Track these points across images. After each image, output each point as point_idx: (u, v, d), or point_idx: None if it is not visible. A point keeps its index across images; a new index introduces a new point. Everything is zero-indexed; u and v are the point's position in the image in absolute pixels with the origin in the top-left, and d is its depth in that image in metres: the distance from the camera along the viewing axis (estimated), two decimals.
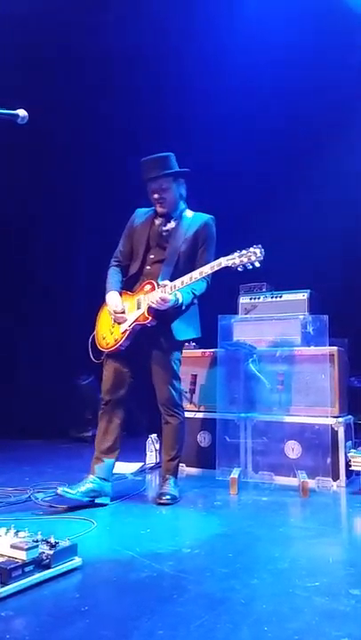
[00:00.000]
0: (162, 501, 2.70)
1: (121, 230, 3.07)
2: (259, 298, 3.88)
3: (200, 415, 3.64)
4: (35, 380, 5.44)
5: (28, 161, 5.23)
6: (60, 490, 2.56)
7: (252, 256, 2.58)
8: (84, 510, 2.55)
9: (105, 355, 2.86)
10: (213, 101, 5.10)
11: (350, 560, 1.97)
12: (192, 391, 3.72)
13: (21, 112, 2.07)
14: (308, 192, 4.97)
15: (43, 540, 1.74)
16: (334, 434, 3.18)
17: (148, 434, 3.90)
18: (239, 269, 2.61)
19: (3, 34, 4.37)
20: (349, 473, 3.17)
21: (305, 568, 1.81)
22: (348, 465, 3.14)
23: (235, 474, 3.04)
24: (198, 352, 3.76)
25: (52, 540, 1.74)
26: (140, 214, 3.03)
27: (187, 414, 3.45)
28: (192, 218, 2.93)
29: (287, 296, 3.78)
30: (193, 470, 3.61)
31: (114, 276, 2.97)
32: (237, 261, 2.60)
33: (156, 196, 2.87)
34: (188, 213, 2.95)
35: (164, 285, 2.69)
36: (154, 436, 3.82)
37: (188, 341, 3.14)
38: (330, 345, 3.36)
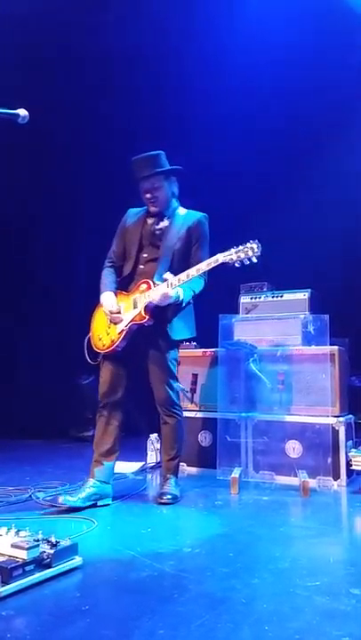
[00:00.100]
0: (163, 501, 2.70)
1: None
2: (259, 297, 3.88)
3: (201, 415, 3.64)
4: (35, 380, 5.44)
5: (28, 161, 5.23)
6: (61, 499, 2.52)
7: (249, 251, 2.55)
8: (84, 510, 2.55)
9: (102, 356, 2.85)
10: (213, 101, 5.10)
11: (351, 559, 1.97)
12: (193, 391, 3.72)
13: (22, 112, 2.08)
14: (308, 192, 4.97)
15: (43, 540, 1.74)
16: (335, 433, 3.18)
17: (148, 433, 3.90)
18: (237, 265, 2.59)
19: (3, 34, 4.37)
20: (350, 472, 3.18)
21: (306, 567, 1.81)
22: (348, 464, 3.15)
23: (236, 473, 3.04)
24: (199, 352, 3.77)
25: (53, 540, 1.74)
26: (132, 214, 3.01)
27: (188, 414, 3.46)
28: (185, 215, 2.91)
29: (288, 296, 3.78)
30: (194, 470, 3.61)
31: (108, 276, 2.95)
32: (234, 257, 2.58)
33: (148, 195, 2.85)
34: (181, 211, 2.93)
35: (165, 280, 2.67)
36: (154, 435, 3.81)
37: (184, 341, 3.13)
38: (330, 344, 3.37)
